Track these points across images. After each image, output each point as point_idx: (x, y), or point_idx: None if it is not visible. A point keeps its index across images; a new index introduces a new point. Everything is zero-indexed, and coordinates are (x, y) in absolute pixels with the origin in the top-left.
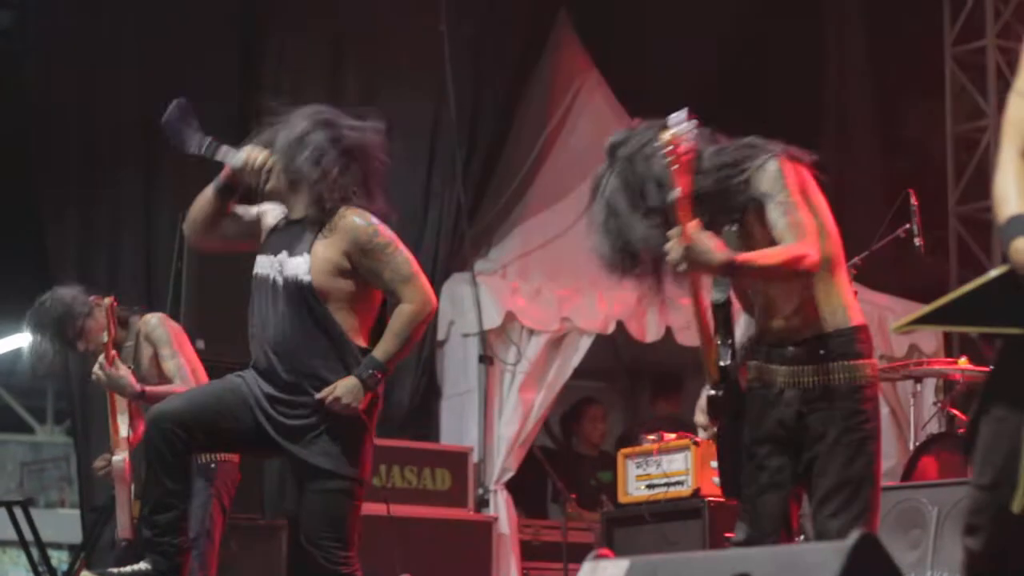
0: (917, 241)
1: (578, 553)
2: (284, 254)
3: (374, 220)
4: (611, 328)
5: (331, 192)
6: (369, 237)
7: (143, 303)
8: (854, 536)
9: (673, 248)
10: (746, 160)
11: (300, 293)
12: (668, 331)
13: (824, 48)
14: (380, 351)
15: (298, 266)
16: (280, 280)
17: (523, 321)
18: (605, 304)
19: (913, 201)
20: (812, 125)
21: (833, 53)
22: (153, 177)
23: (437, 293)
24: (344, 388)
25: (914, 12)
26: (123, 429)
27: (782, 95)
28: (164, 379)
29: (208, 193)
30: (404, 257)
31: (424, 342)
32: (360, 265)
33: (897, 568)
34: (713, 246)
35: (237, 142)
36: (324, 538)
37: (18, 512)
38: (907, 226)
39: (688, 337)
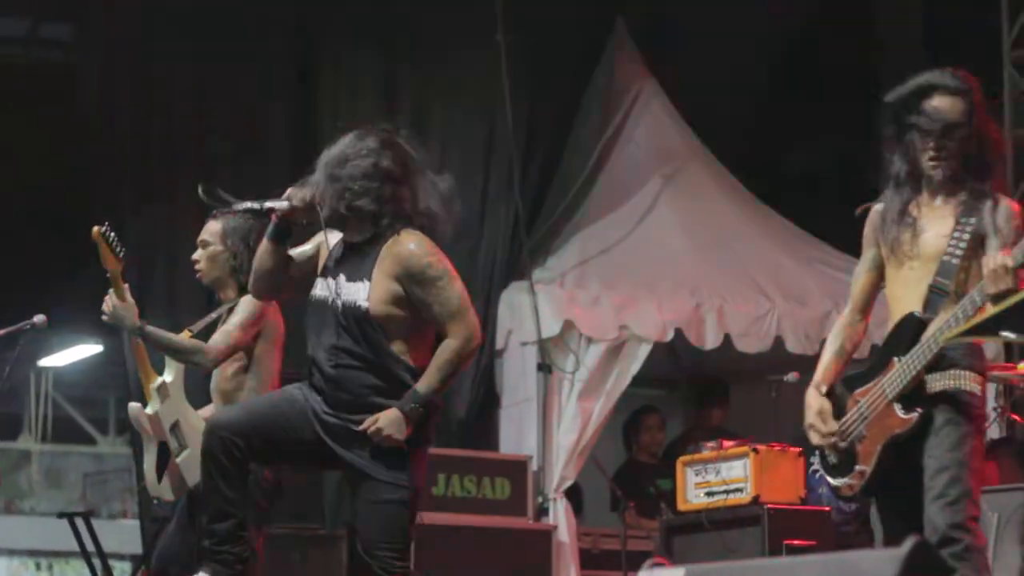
0: None
1: (637, 561)
2: (342, 278)
3: (430, 248)
4: (669, 335)
5: (381, 213)
6: (423, 268)
7: (202, 309)
8: (908, 543)
9: None
10: None
11: (357, 319)
12: (727, 338)
13: (880, 50)
14: (423, 384)
15: (357, 292)
16: (338, 304)
17: (581, 329)
18: (663, 312)
19: None
20: (867, 121)
21: (889, 56)
22: (210, 185)
23: (495, 302)
24: (387, 420)
25: (971, 16)
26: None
27: (837, 91)
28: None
29: (264, 246)
30: (453, 293)
31: (482, 351)
32: (412, 293)
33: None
34: None
35: (299, 154)
36: (381, 548)
37: (80, 523)
38: None
39: (746, 343)
